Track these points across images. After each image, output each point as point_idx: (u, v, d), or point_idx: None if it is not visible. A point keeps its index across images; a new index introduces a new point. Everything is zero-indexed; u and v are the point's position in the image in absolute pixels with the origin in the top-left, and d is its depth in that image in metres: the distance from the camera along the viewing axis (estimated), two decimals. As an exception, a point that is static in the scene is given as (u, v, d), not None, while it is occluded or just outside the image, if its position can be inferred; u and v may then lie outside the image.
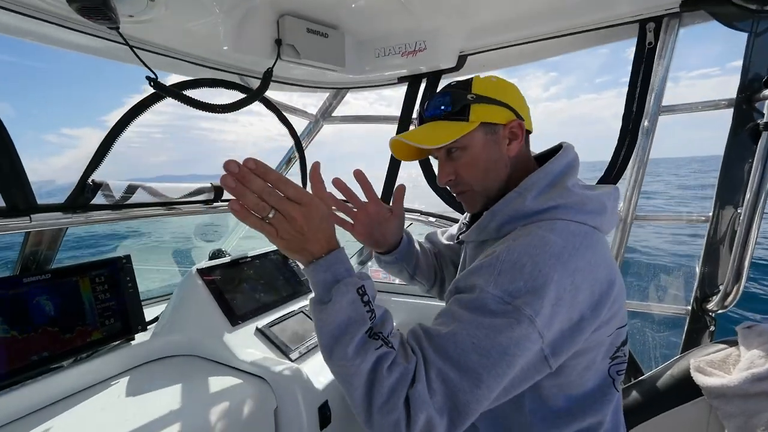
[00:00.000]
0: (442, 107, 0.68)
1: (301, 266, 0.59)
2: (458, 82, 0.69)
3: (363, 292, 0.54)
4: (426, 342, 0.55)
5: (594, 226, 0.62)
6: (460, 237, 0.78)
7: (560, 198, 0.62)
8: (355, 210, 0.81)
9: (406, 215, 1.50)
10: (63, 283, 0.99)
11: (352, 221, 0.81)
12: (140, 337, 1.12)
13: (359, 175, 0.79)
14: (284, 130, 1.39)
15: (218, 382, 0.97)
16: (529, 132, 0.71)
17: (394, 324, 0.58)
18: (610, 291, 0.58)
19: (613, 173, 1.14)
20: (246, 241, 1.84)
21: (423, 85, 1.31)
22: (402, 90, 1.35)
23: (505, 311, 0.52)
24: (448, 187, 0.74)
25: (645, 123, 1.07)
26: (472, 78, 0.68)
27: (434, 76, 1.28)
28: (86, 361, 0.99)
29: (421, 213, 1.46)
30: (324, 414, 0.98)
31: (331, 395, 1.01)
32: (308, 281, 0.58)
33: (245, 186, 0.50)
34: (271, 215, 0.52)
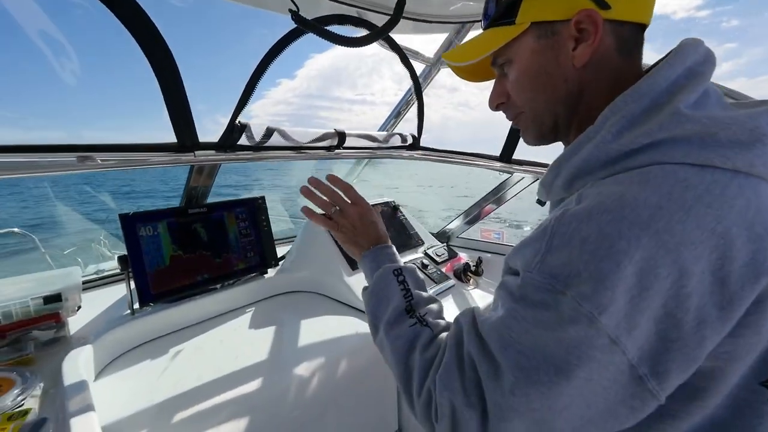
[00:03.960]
0: (489, 10, 0.51)
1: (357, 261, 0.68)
2: None
3: (398, 274, 0.59)
4: (468, 326, 0.45)
5: (737, 169, 0.36)
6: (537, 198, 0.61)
7: (663, 129, 0.38)
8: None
9: (532, 169, 1.35)
10: (215, 216, 1.12)
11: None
12: (271, 272, 1.23)
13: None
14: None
15: (343, 320, 1.02)
16: (640, 26, 0.45)
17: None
18: (754, 274, 0.34)
19: None
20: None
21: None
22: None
23: (554, 303, 0.36)
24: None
25: None
26: None
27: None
28: (232, 287, 1.13)
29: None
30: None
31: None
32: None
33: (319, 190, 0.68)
34: (333, 211, 0.69)
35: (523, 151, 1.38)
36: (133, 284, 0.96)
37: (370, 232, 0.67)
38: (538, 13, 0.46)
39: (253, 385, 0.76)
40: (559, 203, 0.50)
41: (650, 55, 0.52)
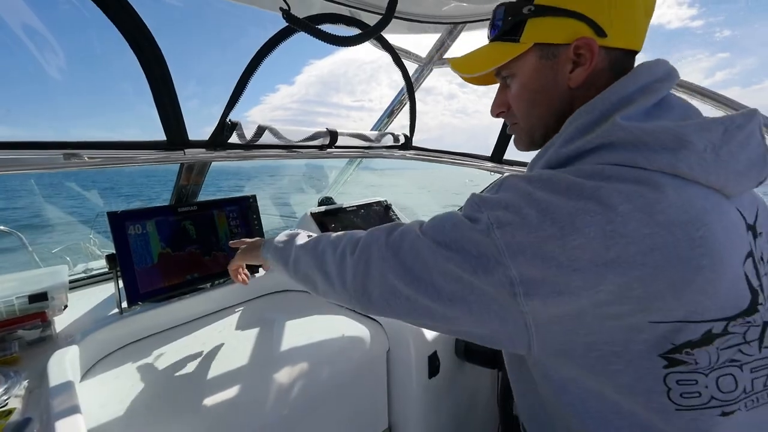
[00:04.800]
0: (495, 25, 0.56)
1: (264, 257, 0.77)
2: None
3: (291, 235, 0.72)
4: (411, 221, 0.55)
5: (661, 170, 0.41)
6: None
7: (600, 137, 0.44)
8: None
9: (523, 169, 1.36)
10: (204, 214, 1.11)
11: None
12: (261, 271, 1.23)
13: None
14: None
15: (334, 319, 1.02)
16: (630, 52, 0.50)
17: None
18: (637, 251, 0.39)
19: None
20: (346, 191, 1.89)
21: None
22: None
23: (474, 218, 0.46)
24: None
25: None
26: None
27: None
28: (221, 286, 1.12)
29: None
30: (433, 363, 0.97)
31: (439, 347, 1.00)
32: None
33: None
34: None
35: (515, 151, 1.39)
36: (121, 283, 0.95)
37: (252, 245, 0.81)
38: (541, 35, 0.51)
39: (242, 385, 0.76)
40: None
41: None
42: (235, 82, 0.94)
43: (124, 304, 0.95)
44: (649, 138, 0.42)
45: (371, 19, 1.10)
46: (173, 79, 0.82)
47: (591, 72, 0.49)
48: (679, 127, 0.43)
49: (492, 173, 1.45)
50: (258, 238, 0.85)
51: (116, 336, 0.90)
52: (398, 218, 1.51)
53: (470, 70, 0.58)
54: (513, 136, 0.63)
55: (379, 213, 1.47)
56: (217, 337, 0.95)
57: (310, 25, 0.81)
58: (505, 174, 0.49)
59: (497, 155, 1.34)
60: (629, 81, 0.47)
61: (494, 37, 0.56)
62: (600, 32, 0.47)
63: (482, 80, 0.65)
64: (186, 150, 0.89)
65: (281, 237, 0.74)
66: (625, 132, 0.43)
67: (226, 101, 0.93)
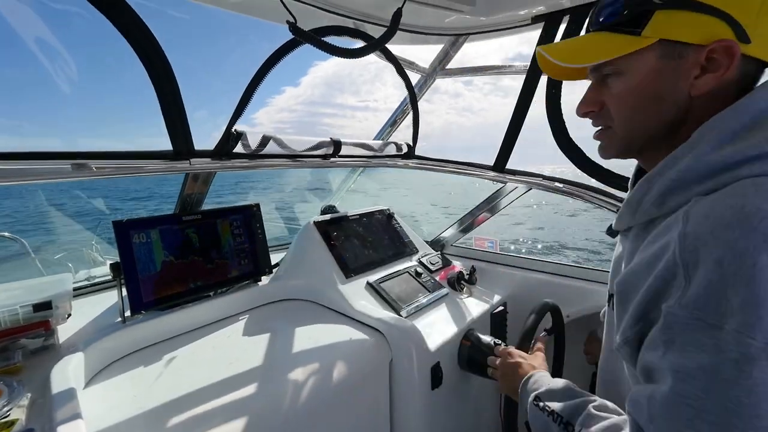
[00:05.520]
0: (609, 12, 0.47)
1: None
2: None
3: (537, 402, 0.59)
4: (646, 414, 0.39)
5: None
6: (613, 226, 0.57)
7: (766, 142, 0.38)
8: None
9: (525, 179, 1.36)
10: (208, 223, 1.11)
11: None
12: (264, 279, 1.23)
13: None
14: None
15: (337, 328, 1.02)
16: (764, 67, 0.43)
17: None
18: None
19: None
20: (349, 198, 1.90)
21: (563, 26, 1.11)
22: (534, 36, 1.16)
23: (713, 341, 0.33)
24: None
25: None
26: None
27: (580, 13, 1.07)
28: (225, 294, 1.12)
29: (544, 177, 1.30)
30: (436, 375, 0.97)
31: (443, 358, 0.99)
32: None
33: None
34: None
35: (516, 161, 1.40)
36: (124, 291, 0.95)
37: (516, 373, 0.72)
38: (669, 31, 0.43)
39: (245, 394, 0.75)
40: (646, 226, 0.47)
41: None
42: (241, 92, 0.95)
43: (127, 313, 0.95)
44: None
45: (376, 31, 1.12)
46: (180, 88, 0.83)
47: (720, 81, 0.42)
48: None
49: (494, 182, 1.45)
50: (524, 371, 0.71)
51: (120, 345, 0.90)
52: (401, 226, 1.51)
53: (574, 59, 0.48)
54: (600, 143, 0.53)
55: (381, 222, 1.48)
56: (219, 346, 0.95)
57: (316, 37, 0.82)
58: (667, 242, 0.40)
59: (500, 164, 1.35)
60: None
61: (604, 27, 0.47)
62: (743, 37, 0.40)
63: (570, 74, 0.56)
64: (192, 160, 0.90)
65: (529, 407, 0.61)
66: None
67: (232, 111, 0.94)
